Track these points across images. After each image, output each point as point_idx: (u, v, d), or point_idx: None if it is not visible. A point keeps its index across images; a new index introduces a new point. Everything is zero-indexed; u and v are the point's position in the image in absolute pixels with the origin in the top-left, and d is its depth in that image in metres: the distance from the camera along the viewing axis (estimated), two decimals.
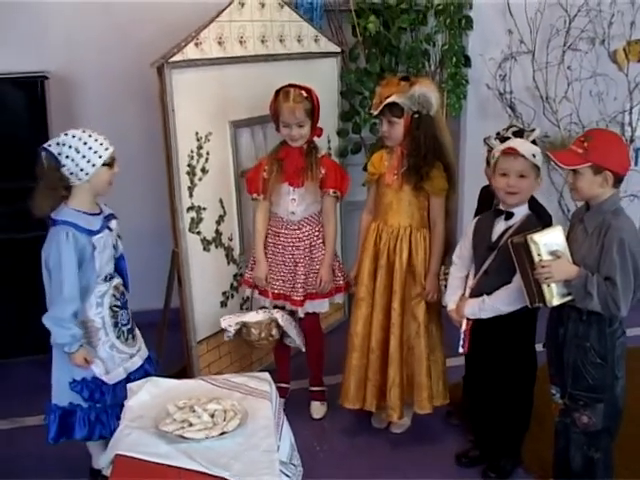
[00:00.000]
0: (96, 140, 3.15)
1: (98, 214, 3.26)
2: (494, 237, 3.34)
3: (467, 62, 5.09)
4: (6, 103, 4.30)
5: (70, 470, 3.57)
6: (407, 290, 3.72)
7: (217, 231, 4.11)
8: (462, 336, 3.41)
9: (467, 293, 3.45)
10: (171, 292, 4.02)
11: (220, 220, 4.12)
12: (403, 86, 3.58)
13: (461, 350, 3.43)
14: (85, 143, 3.12)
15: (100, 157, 3.13)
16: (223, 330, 3.94)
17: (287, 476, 2.86)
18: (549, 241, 2.96)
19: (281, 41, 4.35)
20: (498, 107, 5.26)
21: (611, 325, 2.99)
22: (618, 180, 2.97)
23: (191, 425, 2.71)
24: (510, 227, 3.31)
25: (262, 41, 4.23)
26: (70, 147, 3.10)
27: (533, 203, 3.39)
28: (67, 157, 3.10)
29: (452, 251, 3.68)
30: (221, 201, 4.12)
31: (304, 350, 4.08)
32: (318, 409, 4.10)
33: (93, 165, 3.12)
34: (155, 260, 4.28)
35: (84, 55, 4.55)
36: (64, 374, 3.27)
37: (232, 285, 4.26)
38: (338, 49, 4.78)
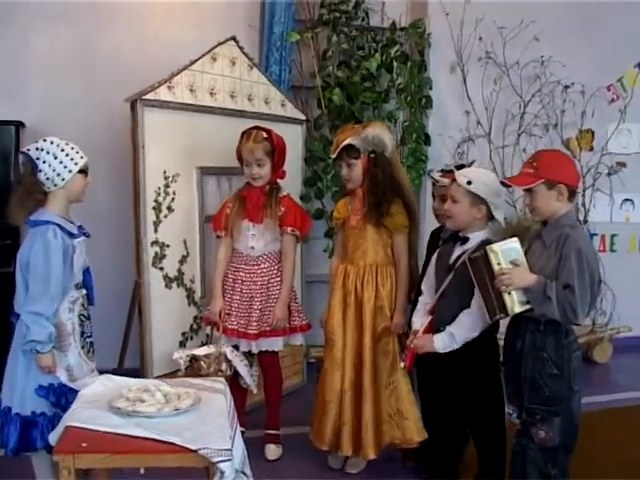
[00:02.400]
0: (72, 148, 3.25)
1: (72, 222, 3.33)
2: (451, 260, 3.46)
3: (427, 140, 5.35)
4: None
5: None
6: (377, 326, 3.76)
7: (179, 270, 4.18)
8: (406, 351, 3.46)
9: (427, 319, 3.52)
10: (131, 322, 4.04)
11: (183, 260, 4.20)
12: (357, 129, 3.78)
13: (402, 365, 3.50)
14: (62, 150, 3.22)
15: (76, 164, 3.23)
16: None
17: None
18: (507, 250, 3.04)
19: (250, 100, 4.57)
20: None
21: (567, 337, 3.05)
22: (572, 193, 3.10)
23: (143, 402, 2.71)
24: (466, 251, 3.42)
25: (231, 96, 4.45)
26: (48, 152, 3.19)
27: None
28: (44, 162, 3.18)
29: (417, 287, 3.78)
30: (185, 242, 4.22)
31: (255, 392, 4.08)
32: (273, 451, 4.04)
33: (70, 171, 3.21)
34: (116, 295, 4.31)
35: (60, 111, 4.71)
36: (30, 381, 3.20)
37: (192, 327, 4.28)
38: (303, 117, 5.00)
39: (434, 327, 3.44)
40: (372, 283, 3.77)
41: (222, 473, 2.44)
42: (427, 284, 3.62)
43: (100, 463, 2.49)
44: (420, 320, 3.53)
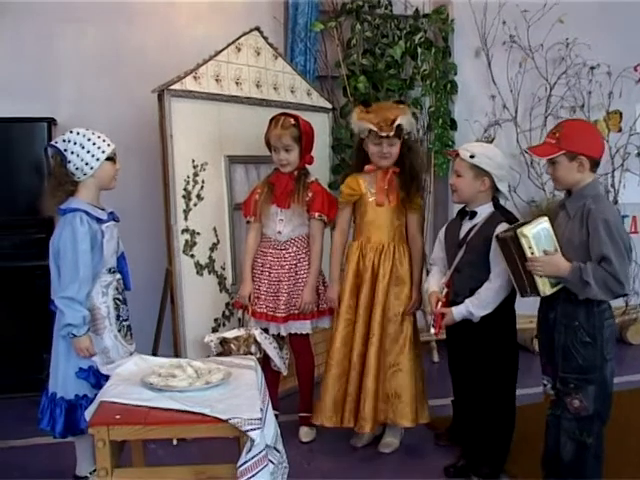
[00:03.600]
0: (99, 137, 3.35)
1: (103, 209, 3.42)
2: (461, 235, 3.53)
3: (453, 125, 5.37)
4: (16, 143, 4.55)
5: None
6: (389, 302, 3.81)
7: (210, 258, 4.24)
8: (433, 317, 3.53)
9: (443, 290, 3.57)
10: (164, 309, 4.11)
11: (214, 247, 4.26)
12: (403, 109, 3.86)
13: (432, 331, 3.54)
14: (89, 139, 3.31)
15: (103, 152, 3.32)
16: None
17: (272, 462, 2.84)
18: (537, 232, 3.05)
19: (275, 89, 4.63)
20: None
21: (599, 305, 3.06)
22: (594, 164, 3.11)
23: (175, 377, 2.77)
24: (475, 225, 3.49)
25: (257, 86, 4.51)
26: (75, 143, 3.29)
27: (496, 205, 3.57)
28: (72, 153, 3.28)
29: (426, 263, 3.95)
30: (215, 229, 4.27)
31: (285, 373, 4.14)
32: (307, 433, 4.08)
33: (97, 159, 3.30)
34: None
35: (90, 107, 4.79)
36: (70, 365, 3.30)
37: (224, 313, 4.33)
38: (329, 105, 5.05)
39: (450, 299, 3.52)
40: (389, 260, 3.82)
41: (252, 441, 2.49)
42: (435, 258, 3.73)
43: (133, 434, 2.55)
44: (436, 283, 3.61)
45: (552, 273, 3.02)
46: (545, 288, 3.05)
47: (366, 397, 3.78)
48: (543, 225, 3.06)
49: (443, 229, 3.71)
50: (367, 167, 3.87)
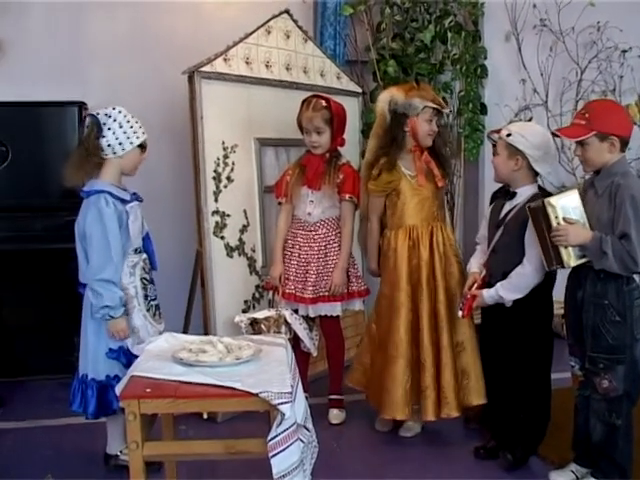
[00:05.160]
0: (137, 122, 3.38)
1: (125, 190, 3.43)
2: (501, 216, 3.49)
3: (483, 109, 5.33)
4: (48, 126, 4.61)
5: (84, 462, 3.62)
6: (450, 282, 3.76)
7: (240, 240, 4.24)
8: (464, 300, 3.50)
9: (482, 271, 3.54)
10: (194, 290, 4.13)
11: (244, 230, 4.26)
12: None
13: (460, 314, 3.51)
14: (128, 121, 3.35)
15: (138, 137, 3.36)
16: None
17: (302, 441, 2.83)
18: (565, 204, 3.04)
19: (305, 72, 4.63)
20: None
21: (628, 284, 3.05)
22: (624, 144, 3.09)
23: (205, 352, 2.78)
24: (515, 206, 3.44)
25: (287, 69, 4.51)
26: (115, 120, 3.31)
27: (540, 187, 3.53)
28: (109, 129, 3.30)
29: None
30: (245, 212, 4.27)
31: (315, 354, 4.15)
32: (336, 416, 4.08)
33: (131, 143, 3.33)
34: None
35: (121, 91, 4.74)
36: (101, 345, 3.33)
37: (254, 295, 4.33)
38: (359, 89, 5.04)
39: (487, 281, 3.49)
40: (441, 241, 3.78)
41: (282, 415, 2.49)
42: (481, 237, 3.68)
43: (164, 408, 2.57)
44: (476, 264, 3.58)
45: (573, 241, 3.01)
46: (569, 260, 3.05)
47: (449, 383, 3.68)
48: (572, 197, 3.07)
49: (490, 207, 3.64)
50: (412, 147, 3.79)
